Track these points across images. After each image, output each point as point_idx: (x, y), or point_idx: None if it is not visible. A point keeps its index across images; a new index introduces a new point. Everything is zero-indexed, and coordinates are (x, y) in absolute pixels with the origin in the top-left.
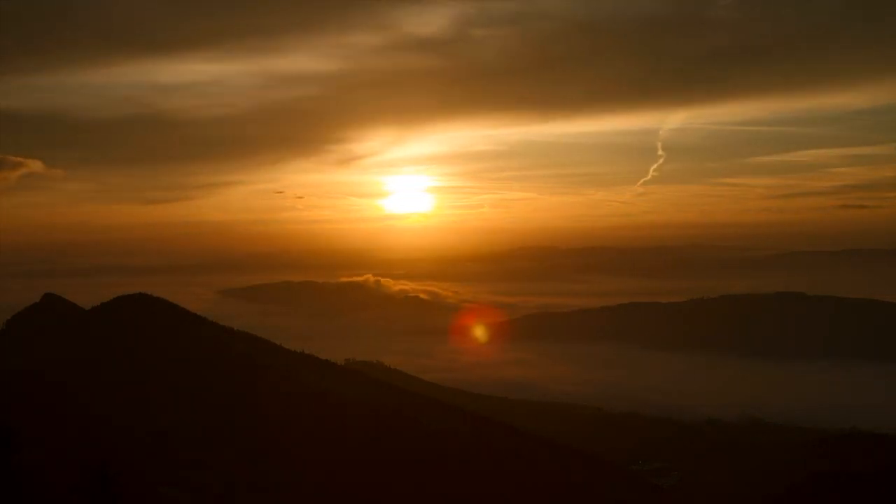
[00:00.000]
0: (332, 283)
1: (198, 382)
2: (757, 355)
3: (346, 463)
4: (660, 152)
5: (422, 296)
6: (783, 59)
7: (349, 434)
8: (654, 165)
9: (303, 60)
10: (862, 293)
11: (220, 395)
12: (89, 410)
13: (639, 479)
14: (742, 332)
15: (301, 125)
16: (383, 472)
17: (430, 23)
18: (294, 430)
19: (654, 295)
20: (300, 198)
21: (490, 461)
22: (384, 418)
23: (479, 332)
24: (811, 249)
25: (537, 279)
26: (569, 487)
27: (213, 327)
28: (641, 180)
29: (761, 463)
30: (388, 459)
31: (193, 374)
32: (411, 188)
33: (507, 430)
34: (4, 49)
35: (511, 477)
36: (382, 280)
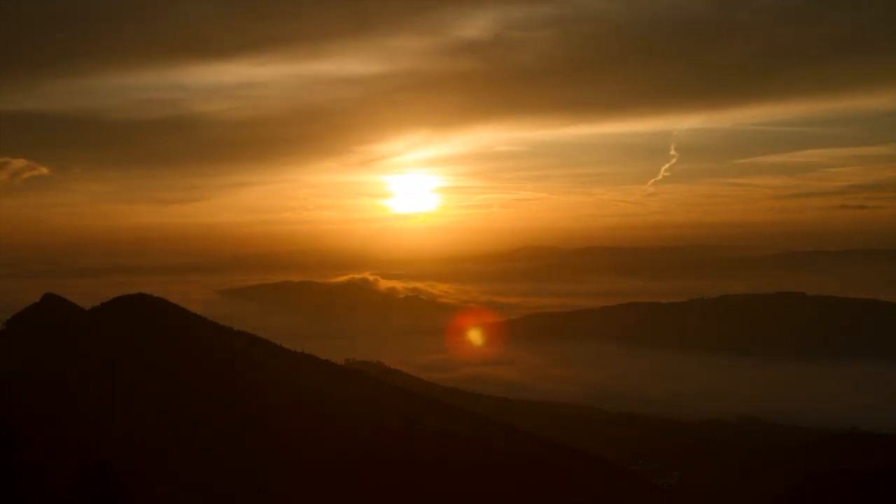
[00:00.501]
0: (332, 282)
1: (198, 382)
2: (757, 355)
3: (346, 463)
4: (672, 153)
5: (422, 296)
6: (795, 64)
7: (349, 434)
8: (666, 166)
9: (347, 64)
10: (862, 293)
11: (220, 395)
12: (89, 410)
13: (639, 479)
14: (742, 332)
15: (331, 127)
16: (383, 471)
17: (474, 26)
18: (294, 430)
19: (654, 295)
20: (305, 199)
21: (490, 461)
22: (384, 418)
23: (479, 332)
24: (811, 249)
25: (538, 279)
26: (569, 487)
27: (213, 327)
28: (652, 180)
29: (761, 463)
30: (388, 459)
31: (193, 374)
32: (423, 188)
33: (507, 430)
34: (35, 54)
35: (511, 477)
36: (383, 280)
